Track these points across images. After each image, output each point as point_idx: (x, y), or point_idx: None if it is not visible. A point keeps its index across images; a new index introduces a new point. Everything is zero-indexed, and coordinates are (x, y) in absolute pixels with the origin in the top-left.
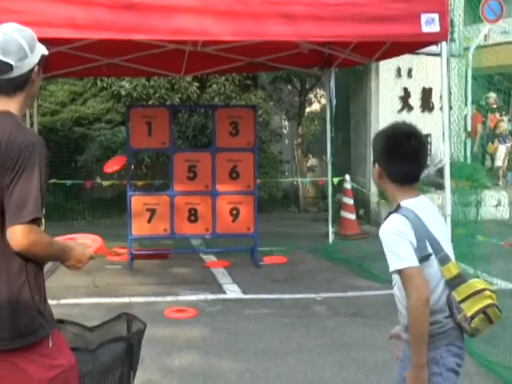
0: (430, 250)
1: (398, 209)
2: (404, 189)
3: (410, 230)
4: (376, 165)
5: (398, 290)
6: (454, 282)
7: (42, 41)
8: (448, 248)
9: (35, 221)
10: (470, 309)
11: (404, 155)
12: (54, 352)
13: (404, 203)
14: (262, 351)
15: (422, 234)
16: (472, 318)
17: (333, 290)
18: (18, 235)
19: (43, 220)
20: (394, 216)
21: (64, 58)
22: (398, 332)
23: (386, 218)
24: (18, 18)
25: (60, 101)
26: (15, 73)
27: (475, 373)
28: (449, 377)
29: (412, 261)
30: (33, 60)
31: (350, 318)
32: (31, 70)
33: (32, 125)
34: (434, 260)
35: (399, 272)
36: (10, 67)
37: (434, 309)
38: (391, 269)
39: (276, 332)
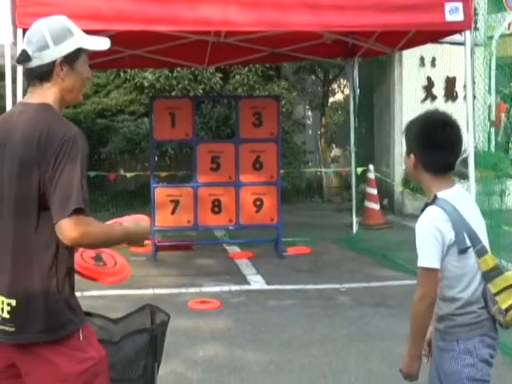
0: (468, 242)
1: (434, 200)
2: (439, 178)
3: (447, 223)
4: (411, 155)
5: None
6: (490, 275)
7: None
8: (484, 239)
9: (79, 212)
10: (505, 301)
11: (439, 144)
12: (85, 345)
13: (441, 194)
14: (286, 342)
15: (460, 227)
16: (507, 310)
17: (357, 281)
18: (66, 230)
19: None
20: (431, 208)
21: None
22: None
23: (422, 210)
24: (45, 10)
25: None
26: (34, 63)
27: (501, 363)
28: (482, 368)
29: (432, 261)
30: (55, 53)
31: (374, 308)
32: (53, 62)
33: None
34: (471, 252)
35: (419, 268)
36: (27, 56)
37: (471, 300)
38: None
39: (300, 323)
